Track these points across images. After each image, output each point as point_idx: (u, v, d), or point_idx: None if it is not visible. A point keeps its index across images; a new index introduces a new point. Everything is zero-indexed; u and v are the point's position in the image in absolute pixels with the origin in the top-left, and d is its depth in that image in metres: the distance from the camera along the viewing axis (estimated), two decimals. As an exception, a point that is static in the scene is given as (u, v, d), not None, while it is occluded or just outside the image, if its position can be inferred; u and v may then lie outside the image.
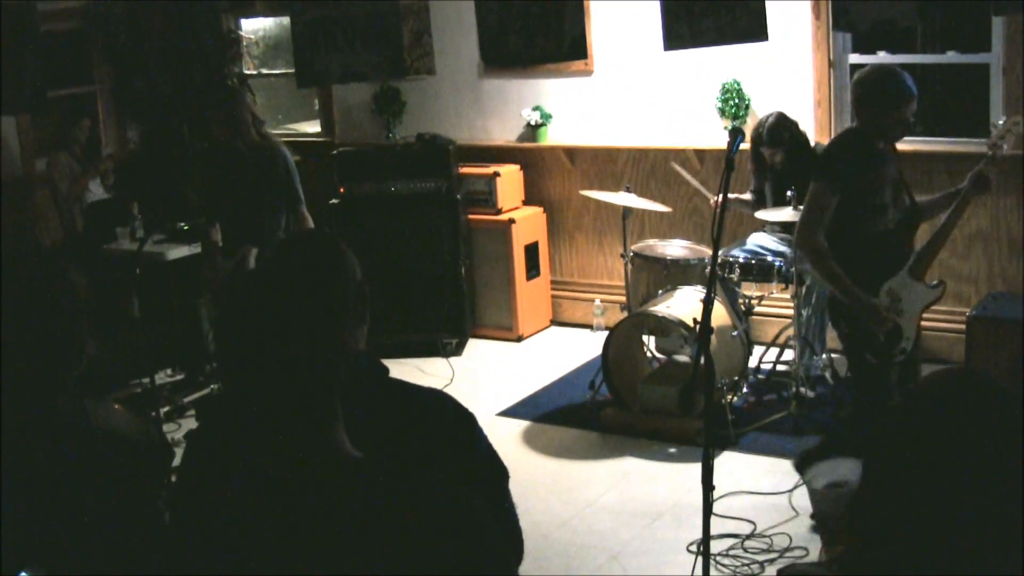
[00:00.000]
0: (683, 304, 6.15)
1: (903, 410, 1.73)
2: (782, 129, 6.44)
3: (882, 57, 7.06)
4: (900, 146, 6.96)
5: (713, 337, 5.35)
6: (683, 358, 6.56)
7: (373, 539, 1.66)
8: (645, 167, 7.73)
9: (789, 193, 6.11)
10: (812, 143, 6.68)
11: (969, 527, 1.60)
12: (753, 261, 6.36)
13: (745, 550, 4.87)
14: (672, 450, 5.98)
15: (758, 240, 6.74)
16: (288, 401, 1.74)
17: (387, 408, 2.13)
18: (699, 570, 4.00)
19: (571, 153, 8.06)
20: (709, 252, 4.25)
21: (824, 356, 6.56)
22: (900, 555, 1.62)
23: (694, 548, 4.85)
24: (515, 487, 2.33)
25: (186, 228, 7.40)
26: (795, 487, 5.26)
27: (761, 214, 6.34)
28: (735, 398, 6.31)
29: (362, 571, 1.64)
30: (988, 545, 1.59)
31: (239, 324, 1.77)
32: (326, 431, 1.77)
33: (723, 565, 4.75)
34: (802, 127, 6.62)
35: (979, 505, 1.60)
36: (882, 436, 1.72)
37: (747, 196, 6.88)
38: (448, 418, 2.22)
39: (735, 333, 6.24)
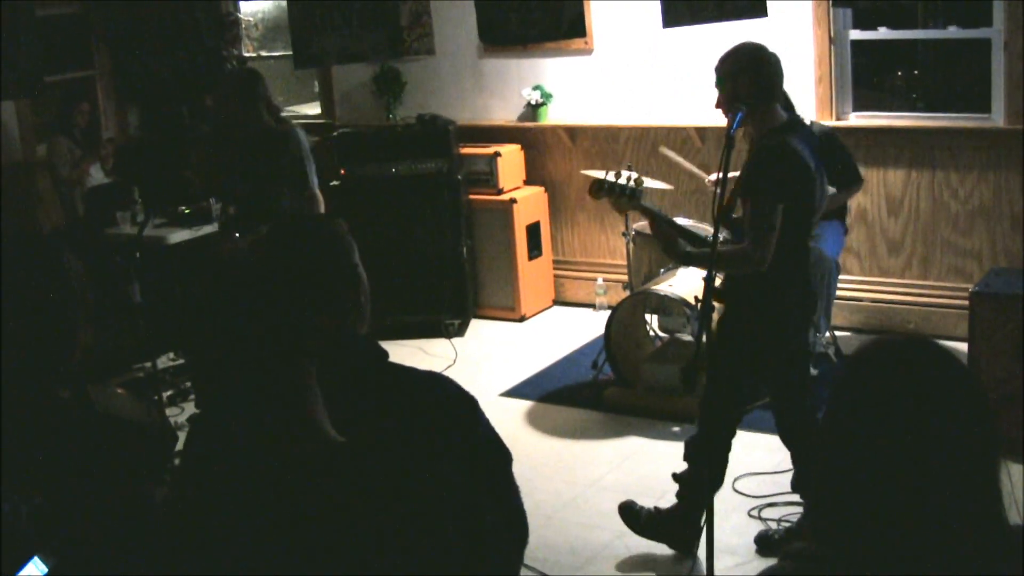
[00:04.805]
0: (685, 282, 6.14)
1: (853, 382, 1.70)
2: None
3: (883, 33, 7.03)
4: (901, 121, 7.00)
5: (715, 315, 5.36)
6: (686, 337, 6.55)
7: (356, 522, 1.65)
8: (646, 145, 7.71)
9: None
10: (809, 121, 6.65)
11: (935, 496, 1.58)
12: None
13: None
14: (675, 429, 5.98)
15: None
16: (264, 385, 1.73)
17: (386, 392, 2.13)
18: (703, 555, 4.00)
19: (572, 132, 8.04)
20: (711, 230, 4.25)
21: (827, 334, 6.55)
22: (869, 545, 1.61)
23: (756, 512, 4.97)
24: (519, 467, 2.32)
25: (187, 212, 7.39)
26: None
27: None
28: (738, 376, 6.30)
29: (347, 553, 1.64)
30: (956, 515, 1.58)
31: (215, 309, 1.77)
32: (305, 414, 1.76)
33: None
34: (802, 104, 6.60)
35: (943, 476, 1.59)
36: (835, 408, 1.70)
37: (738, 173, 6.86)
38: (448, 401, 2.22)
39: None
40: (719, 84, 4.44)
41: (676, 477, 4.81)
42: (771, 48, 7.17)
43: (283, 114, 9.11)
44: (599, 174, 6.99)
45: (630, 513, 4.85)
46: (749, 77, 4.36)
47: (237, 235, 6.12)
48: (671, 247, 4.47)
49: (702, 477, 4.68)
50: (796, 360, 4.59)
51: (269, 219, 5.95)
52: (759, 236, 4.25)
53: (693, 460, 4.73)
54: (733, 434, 4.72)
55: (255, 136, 6.05)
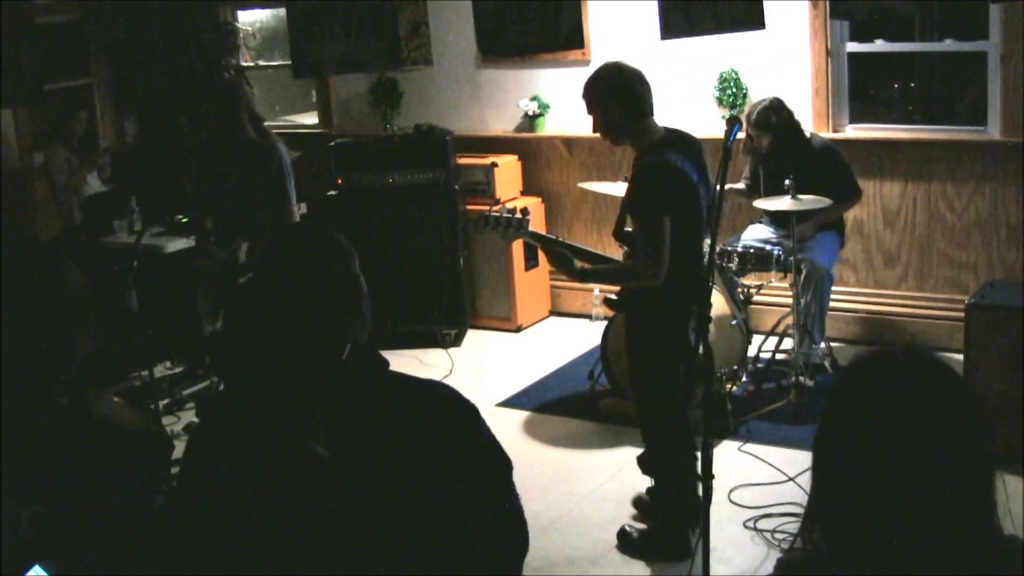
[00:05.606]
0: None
1: (851, 391, 1.71)
2: (771, 113, 6.44)
3: (880, 45, 7.05)
4: (897, 134, 7.02)
5: (712, 326, 5.38)
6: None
7: (358, 527, 1.66)
8: (643, 157, 7.71)
9: (787, 182, 6.11)
10: (808, 133, 6.67)
11: (931, 505, 1.59)
12: (752, 250, 6.36)
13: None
14: (672, 439, 5.97)
15: (755, 234, 6.74)
16: (260, 398, 1.74)
17: (388, 401, 2.13)
18: (700, 560, 4.01)
19: (569, 143, 8.05)
20: (707, 241, 4.29)
21: (823, 344, 6.56)
22: (867, 547, 1.61)
23: (751, 523, 4.95)
24: (515, 477, 2.33)
25: (184, 220, 7.37)
26: (797, 475, 5.27)
27: (759, 203, 6.34)
28: (734, 387, 6.31)
29: (349, 558, 1.64)
30: (950, 524, 1.59)
31: (232, 319, 1.78)
32: (296, 429, 1.76)
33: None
34: (799, 116, 6.62)
35: (940, 486, 1.59)
36: (832, 415, 1.71)
37: (741, 185, 6.88)
38: (449, 410, 2.23)
39: (734, 322, 6.23)
40: (590, 111, 4.55)
41: (649, 492, 4.87)
42: (768, 60, 7.22)
43: (279, 122, 9.14)
44: (596, 187, 7.02)
45: (623, 537, 4.95)
46: (617, 102, 4.48)
47: (215, 248, 6.11)
48: (565, 267, 4.59)
49: (669, 486, 4.75)
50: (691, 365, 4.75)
51: (245, 234, 5.94)
52: (649, 251, 4.35)
53: (651, 474, 4.81)
54: (686, 441, 4.77)
55: (237, 148, 6.00)
